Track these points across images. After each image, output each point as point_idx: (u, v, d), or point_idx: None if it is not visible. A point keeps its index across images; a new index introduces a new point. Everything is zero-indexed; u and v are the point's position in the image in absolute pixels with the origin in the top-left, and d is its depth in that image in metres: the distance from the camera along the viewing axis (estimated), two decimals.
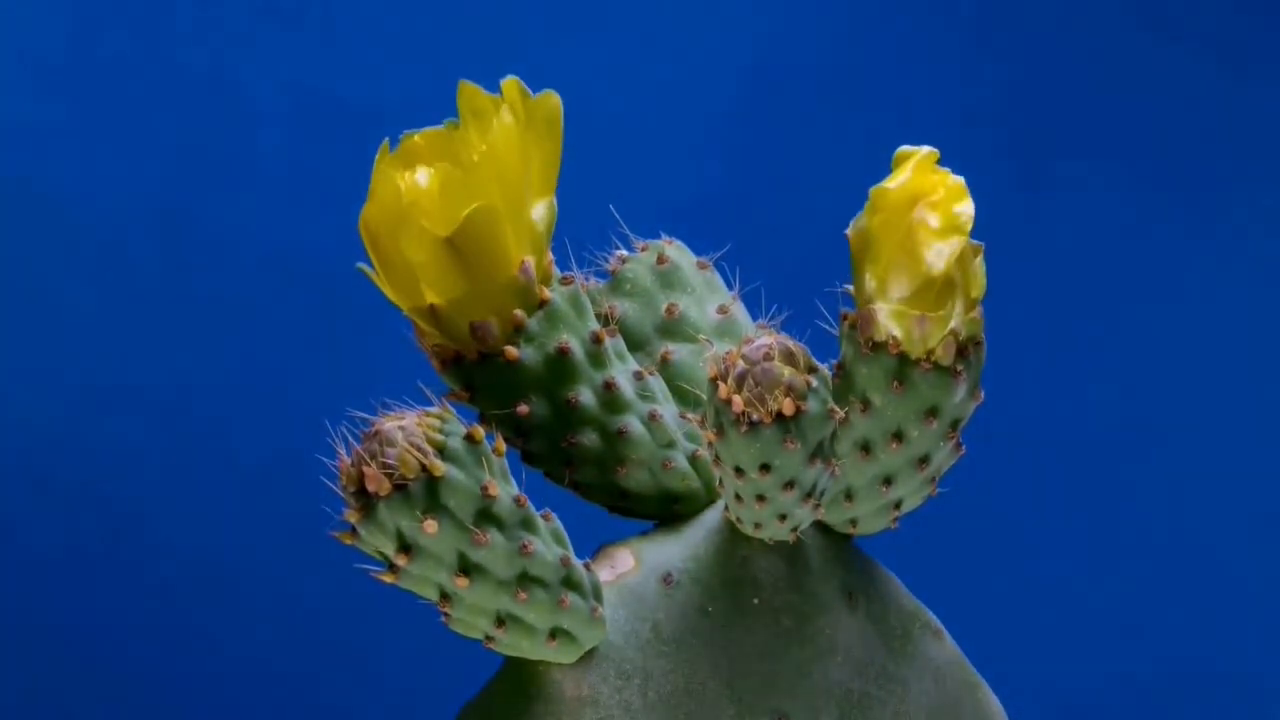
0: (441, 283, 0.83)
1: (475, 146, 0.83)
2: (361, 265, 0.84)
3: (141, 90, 1.47)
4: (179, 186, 1.47)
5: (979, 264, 0.81)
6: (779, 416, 0.79)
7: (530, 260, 0.84)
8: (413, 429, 0.78)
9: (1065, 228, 1.53)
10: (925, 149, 0.81)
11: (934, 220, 0.80)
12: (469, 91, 0.84)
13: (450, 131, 0.84)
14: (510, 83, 0.84)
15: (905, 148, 0.81)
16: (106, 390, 1.47)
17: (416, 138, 0.84)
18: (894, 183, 0.81)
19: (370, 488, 0.78)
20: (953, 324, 0.81)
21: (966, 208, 0.80)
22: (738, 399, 0.79)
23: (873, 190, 0.80)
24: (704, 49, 1.51)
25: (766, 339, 0.80)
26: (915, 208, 0.80)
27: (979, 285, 0.82)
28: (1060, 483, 1.53)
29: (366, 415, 0.79)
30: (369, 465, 0.78)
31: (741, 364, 0.80)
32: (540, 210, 0.84)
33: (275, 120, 1.48)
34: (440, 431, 0.79)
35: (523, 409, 0.84)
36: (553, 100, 0.84)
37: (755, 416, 0.79)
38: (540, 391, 0.85)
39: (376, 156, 0.83)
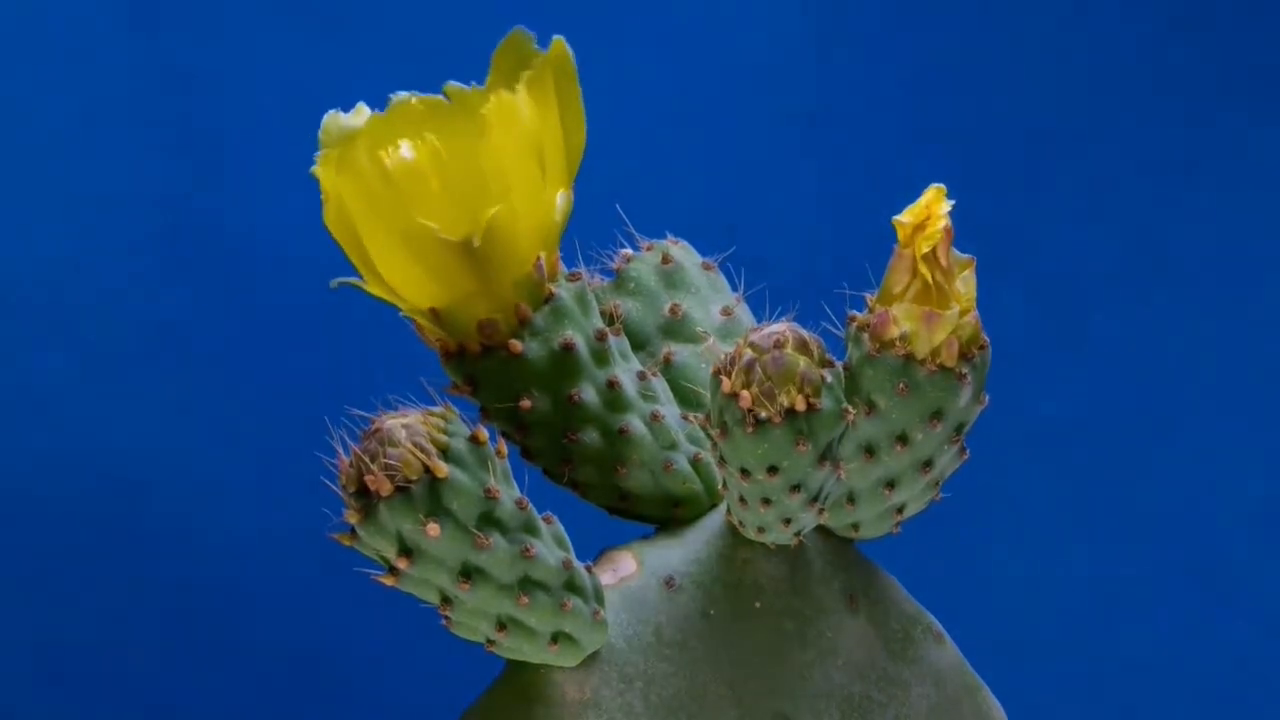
0: (447, 281, 0.82)
1: (501, 111, 0.81)
2: (345, 280, 0.83)
3: (143, 90, 1.47)
4: (180, 185, 1.47)
5: (969, 275, 0.82)
6: (789, 413, 0.77)
7: (543, 256, 0.83)
8: (417, 428, 0.77)
9: (1068, 230, 1.53)
10: (935, 186, 0.81)
11: (923, 235, 0.81)
12: (520, 41, 0.82)
13: (459, 97, 0.82)
14: (560, 45, 0.82)
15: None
16: (108, 389, 1.46)
17: (415, 102, 0.81)
18: (907, 215, 0.81)
19: (371, 488, 0.77)
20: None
21: (942, 221, 0.81)
22: (745, 394, 0.77)
23: (893, 220, 0.81)
24: (712, 49, 1.51)
25: (778, 325, 0.78)
26: (918, 230, 0.81)
27: (970, 294, 0.82)
28: (1062, 487, 1.53)
29: (366, 414, 0.78)
30: (369, 466, 0.77)
31: (750, 353, 0.77)
32: (560, 201, 0.83)
33: (275, 119, 1.48)
34: (444, 432, 0.78)
35: (525, 404, 0.84)
36: (577, 84, 0.83)
37: (763, 414, 0.77)
38: (543, 387, 0.84)
39: (327, 124, 0.81)
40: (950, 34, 1.52)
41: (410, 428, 0.77)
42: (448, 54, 1.47)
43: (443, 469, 0.77)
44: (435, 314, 0.83)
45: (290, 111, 1.48)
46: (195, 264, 1.47)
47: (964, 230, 0.82)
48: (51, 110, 1.46)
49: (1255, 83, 1.54)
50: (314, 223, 1.49)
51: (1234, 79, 1.54)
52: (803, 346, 0.77)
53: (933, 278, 0.81)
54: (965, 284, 0.82)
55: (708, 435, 0.80)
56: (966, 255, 0.82)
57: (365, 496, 0.77)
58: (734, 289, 0.90)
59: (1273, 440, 1.54)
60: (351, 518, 0.77)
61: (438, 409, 0.79)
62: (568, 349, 0.84)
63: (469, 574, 0.78)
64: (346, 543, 0.78)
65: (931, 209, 0.81)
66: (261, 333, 1.47)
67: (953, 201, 0.81)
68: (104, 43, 1.47)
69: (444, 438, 0.78)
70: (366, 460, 0.77)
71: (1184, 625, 1.52)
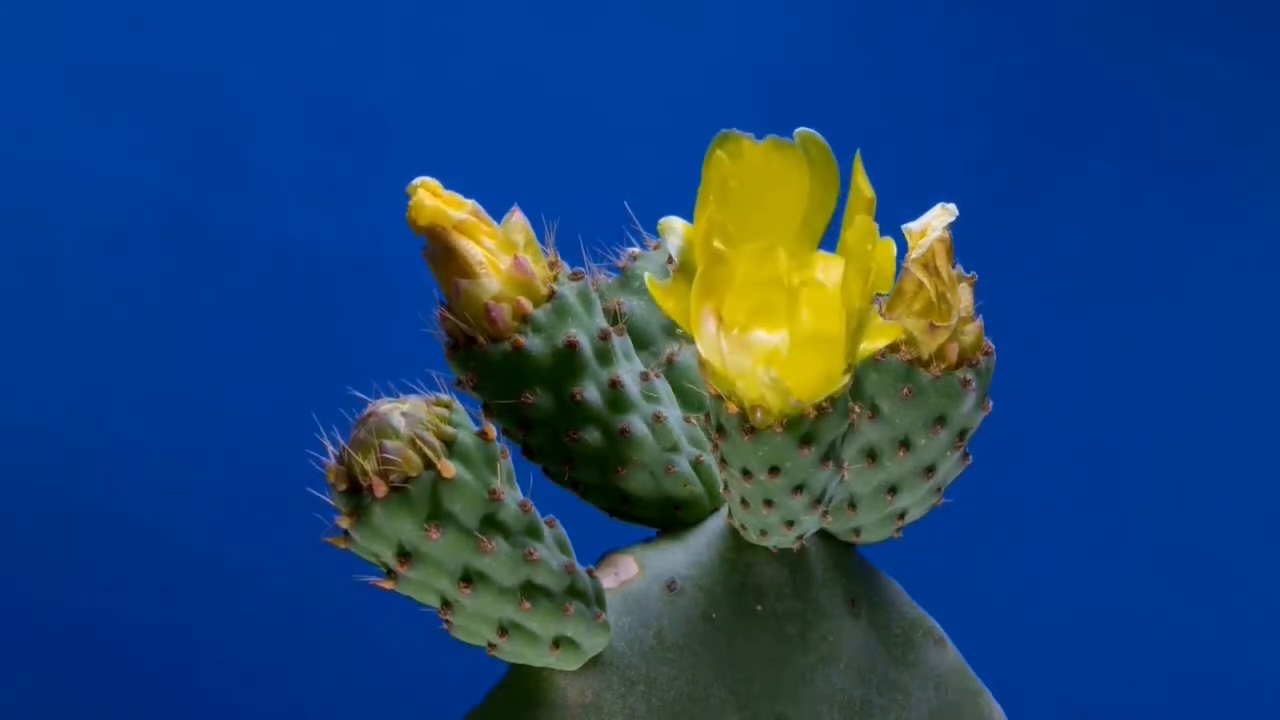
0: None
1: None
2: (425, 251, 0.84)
3: (145, 91, 1.47)
4: (180, 186, 1.47)
5: (967, 289, 0.82)
6: (797, 417, 0.75)
7: (525, 257, 0.83)
8: (417, 415, 0.74)
9: (1071, 234, 1.53)
10: (943, 205, 0.82)
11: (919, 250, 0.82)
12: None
13: None
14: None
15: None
16: (109, 388, 1.46)
17: None
18: (916, 225, 0.81)
19: (364, 486, 0.74)
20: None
21: (937, 231, 0.81)
22: (730, 404, 0.76)
23: (902, 228, 0.81)
24: (720, 48, 1.51)
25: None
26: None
27: (969, 306, 0.82)
28: (1064, 493, 1.53)
29: (364, 396, 0.76)
30: (361, 463, 0.73)
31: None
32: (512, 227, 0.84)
33: (274, 119, 1.48)
34: (448, 422, 0.75)
35: (527, 399, 0.83)
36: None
37: (760, 416, 0.76)
38: (546, 384, 0.84)
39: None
40: (954, 32, 1.52)
41: (410, 416, 0.74)
42: (453, 55, 1.47)
43: (450, 469, 0.74)
44: (457, 290, 0.82)
45: (287, 110, 1.49)
46: (197, 265, 1.47)
47: (969, 232, 0.82)
48: (53, 110, 1.46)
49: (1255, 84, 1.54)
50: (315, 226, 1.49)
51: (1233, 80, 1.54)
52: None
53: (934, 288, 0.81)
54: (964, 297, 0.82)
55: (708, 437, 0.80)
56: (970, 274, 0.82)
57: (356, 495, 0.74)
58: None
59: (1274, 441, 1.54)
60: (343, 522, 0.74)
61: (442, 396, 0.76)
62: (571, 347, 0.83)
63: (470, 578, 0.76)
64: (341, 545, 0.76)
65: (933, 222, 0.81)
66: (263, 336, 1.48)
67: (954, 217, 0.81)
68: (103, 42, 1.47)
69: (449, 429, 0.75)
70: (358, 456, 0.73)
71: (1185, 628, 1.53)
